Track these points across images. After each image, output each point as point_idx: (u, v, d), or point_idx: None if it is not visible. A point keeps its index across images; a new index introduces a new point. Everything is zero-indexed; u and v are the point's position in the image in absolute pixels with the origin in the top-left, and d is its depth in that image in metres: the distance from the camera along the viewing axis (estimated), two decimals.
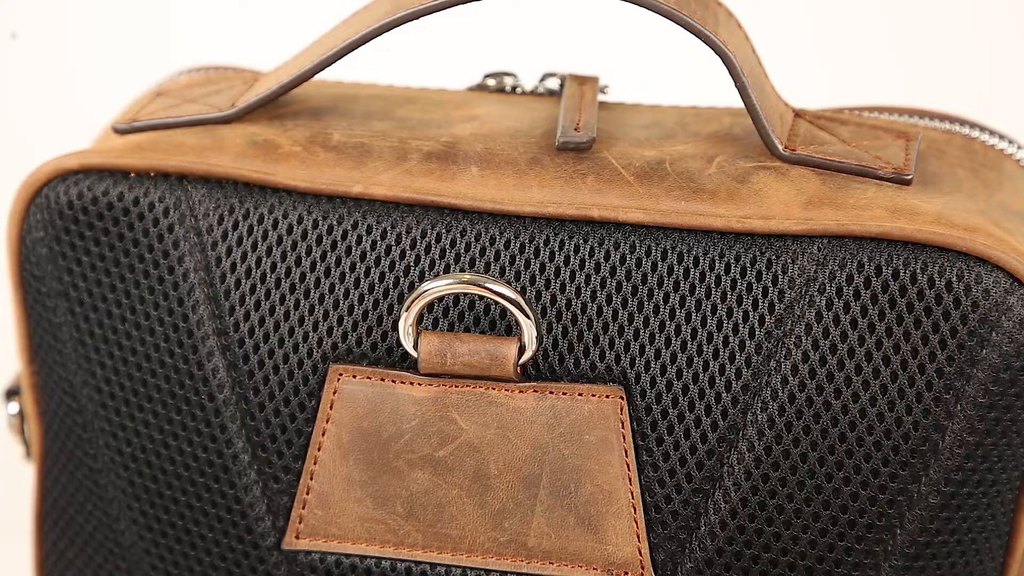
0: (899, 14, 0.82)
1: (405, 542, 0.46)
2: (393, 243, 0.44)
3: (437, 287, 0.42)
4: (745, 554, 0.44)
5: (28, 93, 0.92)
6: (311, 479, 0.45)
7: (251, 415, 0.46)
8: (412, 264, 0.44)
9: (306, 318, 0.45)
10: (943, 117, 0.51)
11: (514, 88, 0.54)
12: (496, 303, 0.43)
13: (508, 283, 0.43)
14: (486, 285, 0.42)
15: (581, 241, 0.44)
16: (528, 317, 0.42)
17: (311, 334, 0.45)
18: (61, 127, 0.74)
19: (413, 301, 0.43)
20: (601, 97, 0.52)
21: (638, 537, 0.44)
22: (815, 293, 0.42)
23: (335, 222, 0.45)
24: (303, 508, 0.46)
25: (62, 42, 0.92)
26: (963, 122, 0.51)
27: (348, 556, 0.46)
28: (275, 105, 0.50)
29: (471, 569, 0.46)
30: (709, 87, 0.56)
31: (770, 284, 0.43)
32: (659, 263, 0.43)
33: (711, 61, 0.45)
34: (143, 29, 0.92)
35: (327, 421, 0.45)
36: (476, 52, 0.71)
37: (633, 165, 0.45)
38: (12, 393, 0.53)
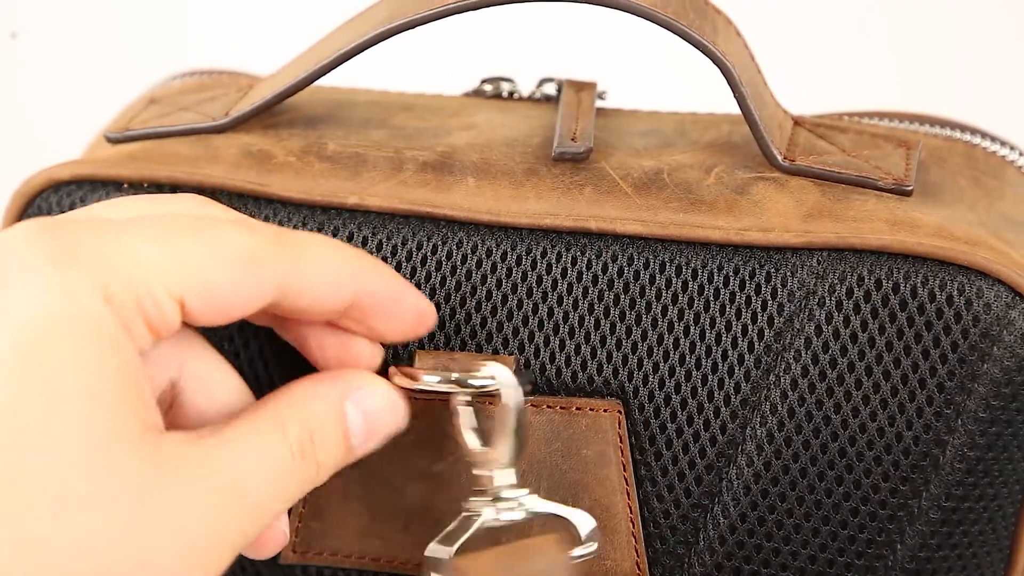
0: (899, 18, 0.81)
1: (401, 556, 0.45)
2: (389, 254, 0.44)
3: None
4: (744, 569, 0.44)
5: (28, 93, 0.92)
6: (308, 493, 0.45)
7: None
8: (409, 275, 0.44)
9: None
10: (944, 123, 0.51)
11: (511, 94, 0.54)
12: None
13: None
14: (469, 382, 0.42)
15: (578, 253, 0.43)
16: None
17: None
18: (62, 127, 0.74)
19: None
20: (599, 103, 0.52)
21: (636, 552, 0.44)
22: (814, 306, 0.42)
23: (330, 233, 0.44)
24: (299, 522, 0.45)
25: (62, 42, 0.92)
26: (964, 128, 0.51)
27: (345, 571, 0.46)
28: (270, 113, 0.49)
29: None
30: (708, 90, 0.56)
31: (769, 297, 0.42)
32: (657, 275, 0.43)
33: (710, 65, 0.45)
34: (143, 29, 0.92)
35: None
36: (473, 57, 0.71)
37: (631, 176, 0.45)
38: None
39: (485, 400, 0.42)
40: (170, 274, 0.32)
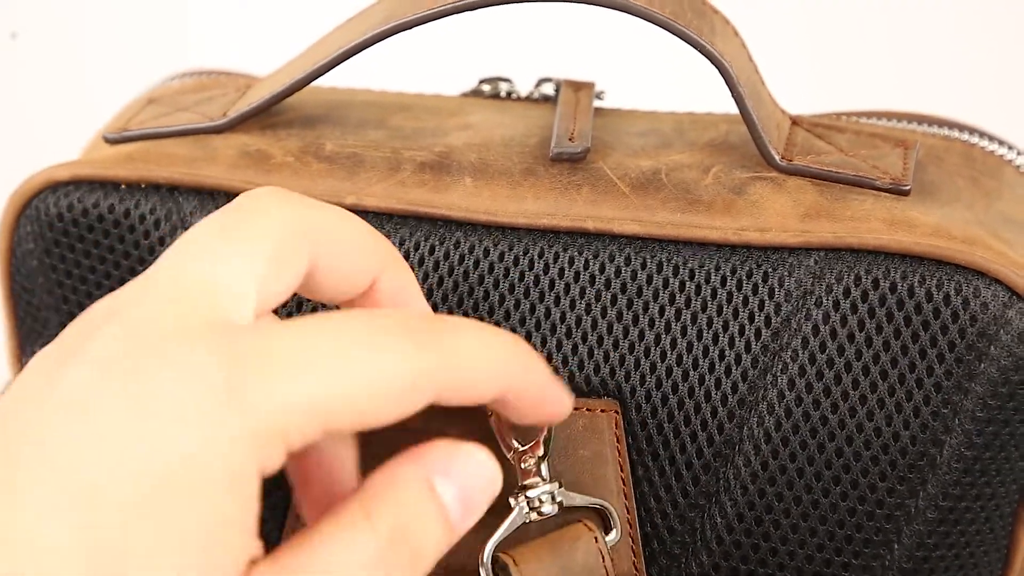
0: (897, 18, 0.81)
1: None
2: None
3: None
4: (741, 569, 0.44)
5: (28, 93, 0.92)
6: None
7: None
8: None
9: None
10: (942, 123, 0.51)
11: (509, 94, 0.54)
12: None
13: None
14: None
15: (576, 253, 0.43)
16: None
17: None
18: (61, 127, 0.74)
19: None
20: (597, 103, 0.52)
21: (633, 552, 0.44)
22: (812, 306, 0.42)
23: None
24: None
25: (62, 42, 0.92)
26: (962, 127, 0.51)
27: None
28: (267, 113, 0.49)
29: None
30: (706, 90, 0.56)
31: (766, 297, 0.42)
32: (654, 275, 0.43)
33: (708, 65, 0.45)
34: (143, 29, 0.92)
35: None
36: (471, 57, 0.71)
37: (629, 176, 0.45)
38: None
39: None
40: (327, 413, 0.30)
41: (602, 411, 0.43)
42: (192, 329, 0.31)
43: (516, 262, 0.44)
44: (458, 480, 0.33)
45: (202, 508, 0.29)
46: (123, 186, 0.45)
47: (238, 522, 0.29)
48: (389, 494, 0.33)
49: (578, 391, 0.43)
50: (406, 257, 0.44)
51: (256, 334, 0.31)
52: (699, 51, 0.44)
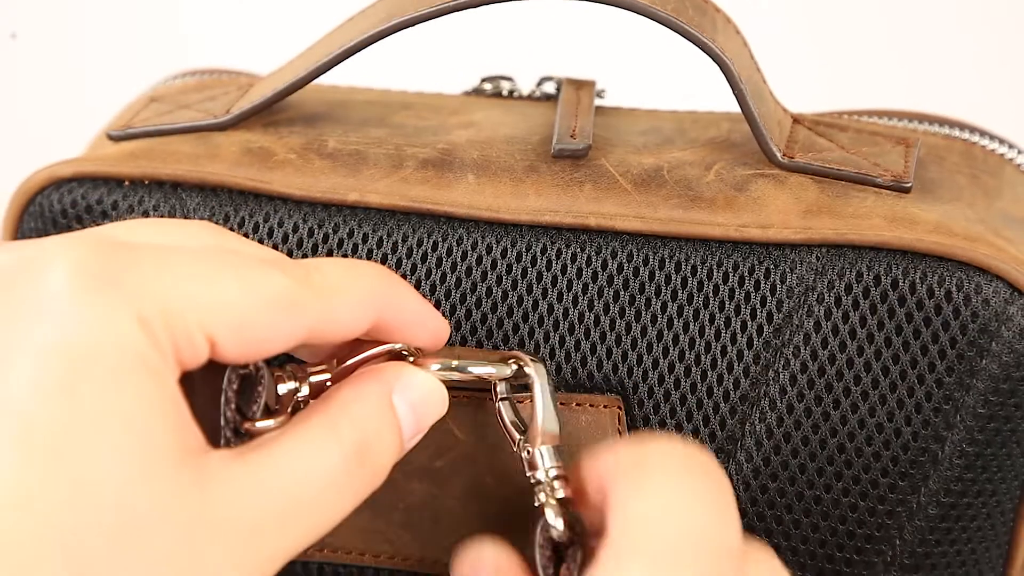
0: (899, 16, 0.82)
1: (402, 552, 0.45)
2: (389, 251, 0.44)
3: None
4: None
5: (28, 93, 0.92)
6: None
7: None
8: (408, 272, 0.44)
9: None
10: (943, 121, 0.51)
11: (511, 92, 0.54)
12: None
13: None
14: (469, 370, 0.41)
15: (578, 250, 0.43)
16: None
17: None
18: (62, 127, 0.74)
19: None
20: (598, 101, 0.52)
21: None
22: (814, 303, 0.42)
23: (331, 230, 0.44)
24: None
25: (62, 42, 0.92)
26: (963, 126, 0.51)
27: (346, 567, 0.46)
28: (270, 111, 0.49)
29: None
30: (707, 88, 0.56)
31: (768, 293, 0.43)
32: (656, 272, 0.43)
33: (709, 63, 0.45)
34: (143, 29, 0.92)
35: None
36: (473, 55, 0.71)
37: (631, 172, 0.45)
38: None
39: (521, 396, 0.42)
40: (205, 310, 0.32)
41: (605, 407, 0.43)
42: (66, 245, 0.32)
43: (518, 259, 0.44)
44: (410, 397, 0.37)
45: (111, 387, 0.30)
46: (126, 183, 0.45)
47: (157, 400, 0.30)
48: (353, 408, 0.35)
49: (581, 387, 0.43)
50: (408, 254, 0.44)
51: (110, 233, 0.34)
52: (700, 48, 0.44)
